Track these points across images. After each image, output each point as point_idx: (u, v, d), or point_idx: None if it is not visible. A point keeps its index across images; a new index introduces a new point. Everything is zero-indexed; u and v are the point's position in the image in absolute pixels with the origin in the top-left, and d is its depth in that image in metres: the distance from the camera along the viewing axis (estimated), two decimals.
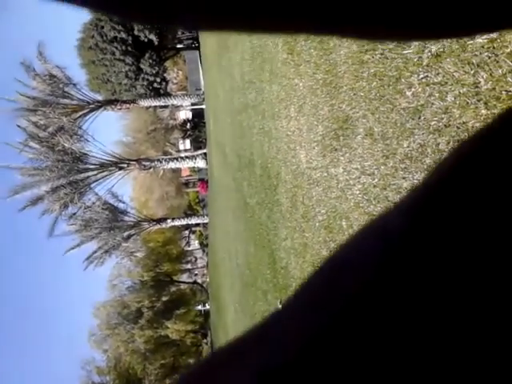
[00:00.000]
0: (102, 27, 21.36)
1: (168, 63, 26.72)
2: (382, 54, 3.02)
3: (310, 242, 4.71)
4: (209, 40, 15.92)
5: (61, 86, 20.57)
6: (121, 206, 23.07)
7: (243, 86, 8.45)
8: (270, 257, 6.70)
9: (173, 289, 32.74)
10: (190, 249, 37.24)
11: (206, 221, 26.40)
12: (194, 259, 37.90)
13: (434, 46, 2.49)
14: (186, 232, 34.97)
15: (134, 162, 21.79)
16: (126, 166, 21.71)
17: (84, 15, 22.16)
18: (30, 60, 20.00)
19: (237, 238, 10.39)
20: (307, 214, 4.81)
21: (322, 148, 4.30)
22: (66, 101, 20.83)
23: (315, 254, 4.56)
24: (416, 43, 2.60)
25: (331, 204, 4.06)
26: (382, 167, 3.07)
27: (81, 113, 21.24)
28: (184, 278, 36.27)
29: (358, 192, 3.47)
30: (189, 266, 37.10)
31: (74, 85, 21.19)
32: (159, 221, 24.73)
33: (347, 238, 0.22)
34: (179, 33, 26.66)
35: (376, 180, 3.18)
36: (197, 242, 37.64)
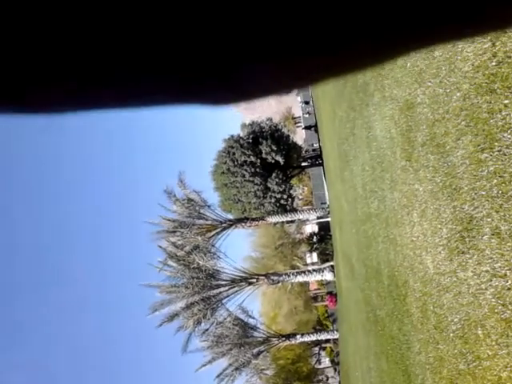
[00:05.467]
0: (234, 153, 23.40)
1: (294, 181, 27.96)
2: (499, 151, 2.96)
3: (446, 354, 4.33)
4: (331, 155, 16.58)
5: (197, 208, 22.51)
6: (250, 321, 23.25)
7: (366, 195, 8.54)
8: (404, 373, 6.19)
9: None
10: (320, 367, 35.31)
11: (336, 336, 25.31)
12: (325, 378, 35.69)
13: None
14: (316, 349, 33.55)
15: (262, 277, 22.26)
16: (255, 280, 22.25)
17: (218, 144, 24.52)
18: (172, 187, 22.45)
19: (368, 353, 9.79)
20: (439, 323, 4.48)
21: (448, 252, 4.12)
22: (201, 221, 22.60)
23: (452, 368, 4.16)
24: None
25: (464, 311, 3.77)
26: None
27: (214, 232, 22.81)
28: None
29: (490, 296, 3.21)
30: None
31: (209, 206, 23.09)
32: (288, 336, 24.28)
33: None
34: (303, 152, 28.12)
35: (509, 282, 2.94)
36: (327, 359, 35.67)
